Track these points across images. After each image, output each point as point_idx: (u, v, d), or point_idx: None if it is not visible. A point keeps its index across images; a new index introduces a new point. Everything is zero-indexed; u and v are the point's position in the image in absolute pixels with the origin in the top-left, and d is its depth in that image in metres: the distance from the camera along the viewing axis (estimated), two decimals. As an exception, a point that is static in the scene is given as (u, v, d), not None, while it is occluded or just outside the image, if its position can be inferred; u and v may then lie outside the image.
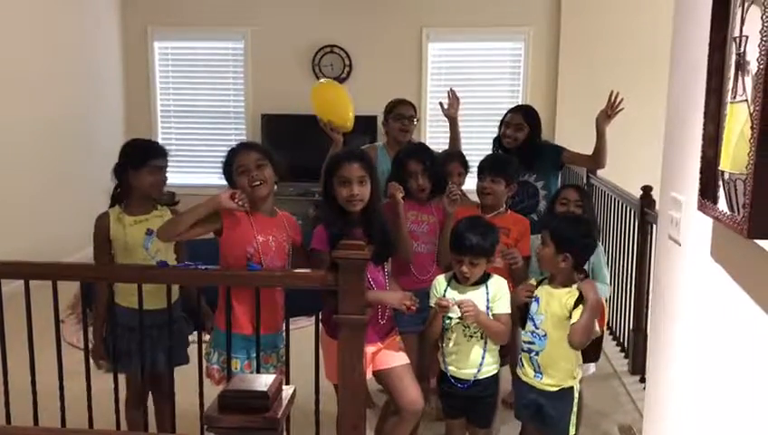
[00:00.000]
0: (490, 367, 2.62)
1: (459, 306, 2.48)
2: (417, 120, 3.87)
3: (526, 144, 3.80)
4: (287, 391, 1.16)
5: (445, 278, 2.65)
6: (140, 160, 2.74)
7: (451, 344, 2.60)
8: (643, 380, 3.53)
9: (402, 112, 3.80)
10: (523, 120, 3.81)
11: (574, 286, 2.47)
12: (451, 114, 3.98)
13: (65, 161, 6.23)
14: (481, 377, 2.60)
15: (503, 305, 2.58)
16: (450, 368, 2.62)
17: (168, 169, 2.84)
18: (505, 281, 2.66)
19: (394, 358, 2.62)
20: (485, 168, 3.10)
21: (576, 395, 2.52)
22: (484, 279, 2.60)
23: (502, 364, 3.01)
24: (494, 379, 2.67)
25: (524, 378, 2.57)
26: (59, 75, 6.18)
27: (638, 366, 3.78)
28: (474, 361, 2.59)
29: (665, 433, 1.87)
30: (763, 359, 1.22)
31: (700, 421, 1.56)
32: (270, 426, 1.09)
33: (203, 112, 7.53)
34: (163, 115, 7.57)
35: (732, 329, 1.38)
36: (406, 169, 3.00)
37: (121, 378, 2.73)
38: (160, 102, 7.55)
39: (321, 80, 4.10)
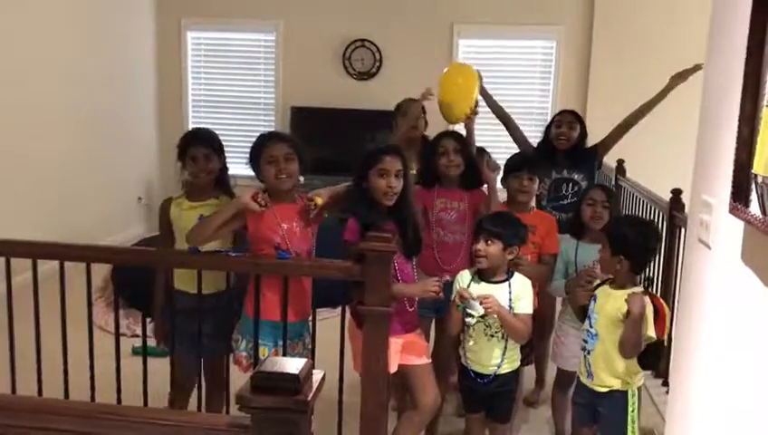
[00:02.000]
0: (512, 364, 2.64)
1: (481, 301, 2.49)
2: (425, 115, 3.74)
3: (577, 144, 3.80)
4: (317, 375, 1.19)
5: (469, 272, 2.66)
6: (180, 151, 2.83)
7: (471, 343, 2.62)
8: (666, 384, 3.51)
9: (408, 111, 3.67)
10: (575, 120, 3.81)
11: (635, 289, 2.46)
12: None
13: (98, 149, 6.33)
14: (501, 373, 2.62)
15: (525, 305, 2.59)
16: (471, 364, 2.64)
17: (214, 157, 2.82)
18: (529, 281, 2.66)
19: (418, 356, 2.65)
20: (522, 166, 3.09)
21: (632, 402, 2.49)
22: (507, 277, 2.62)
23: (525, 364, 3.03)
24: (515, 375, 2.70)
25: (581, 377, 2.60)
26: (93, 65, 6.27)
27: (661, 370, 3.76)
28: (495, 359, 2.61)
29: (687, 436, 1.86)
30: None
31: (724, 427, 1.56)
32: (300, 408, 1.11)
33: (233, 103, 7.61)
34: (194, 105, 7.66)
35: (761, 333, 1.37)
36: (439, 146, 3.01)
37: (160, 363, 2.76)
38: (192, 93, 7.64)
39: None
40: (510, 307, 2.57)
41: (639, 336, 2.38)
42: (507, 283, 2.61)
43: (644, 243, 2.51)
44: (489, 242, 2.56)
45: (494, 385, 2.63)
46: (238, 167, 2.76)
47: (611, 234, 2.51)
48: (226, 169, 2.89)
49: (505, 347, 2.60)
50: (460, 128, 3.44)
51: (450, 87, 3.36)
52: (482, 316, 2.54)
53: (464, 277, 2.65)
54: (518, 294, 2.59)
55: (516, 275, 2.64)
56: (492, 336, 2.59)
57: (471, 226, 2.99)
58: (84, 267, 2.60)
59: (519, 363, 2.70)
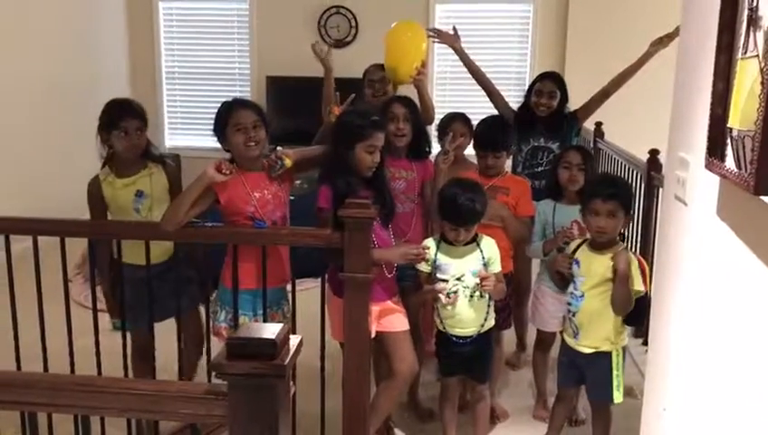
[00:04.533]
0: (490, 321, 2.70)
1: (482, 283, 2.55)
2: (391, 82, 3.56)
3: (556, 111, 3.75)
4: (294, 340, 1.18)
5: (434, 241, 2.67)
6: (110, 123, 2.76)
7: (451, 308, 2.64)
8: (646, 343, 3.55)
9: (372, 78, 3.56)
10: (555, 88, 3.74)
11: (618, 247, 2.54)
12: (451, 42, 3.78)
13: (70, 122, 6.21)
14: (485, 331, 2.67)
15: (498, 265, 2.67)
16: (450, 328, 2.65)
17: (145, 130, 2.80)
18: (493, 241, 2.70)
19: (397, 322, 2.66)
20: (488, 145, 3.06)
21: (616, 361, 2.54)
22: (474, 238, 2.64)
23: (504, 327, 3.06)
24: (493, 334, 2.76)
25: (566, 339, 2.64)
26: (63, 38, 6.14)
27: (641, 329, 3.81)
28: (477, 319, 2.64)
29: (665, 394, 1.89)
30: (766, 316, 1.23)
31: (700, 381, 1.58)
32: (277, 373, 1.11)
33: (208, 74, 7.49)
34: (168, 77, 7.54)
35: (736, 287, 1.38)
36: (389, 112, 2.93)
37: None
38: (165, 64, 7.51)
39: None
40: (484, 266, 2.62)
41: (629, 291, 2.44)
42: (476, 246, 2.64)
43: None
44: (469, 230, 2.58)
45: (475, 346, 2.66)
46: (213, 139, 2.71)
47: (624, 196, 2.53)
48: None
49: (488, 305, 2.66)
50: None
51: (394, 46, 3.23)
52: (457, 279, 2.57)
53: (430, 245, 2.65)
54: (490, 258, 2.65)
55: (484, 237, 2.67)
56: (472, 296, 2.61)
57: (420, 196, 3.00)
58: (59, 244, 2.56)
59: (493, 320, 2.74)
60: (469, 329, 2.65)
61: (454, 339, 2.66)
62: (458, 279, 2.59)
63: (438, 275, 2.60)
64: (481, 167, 3.08)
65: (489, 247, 2.65)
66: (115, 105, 2.85)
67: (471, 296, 2.61)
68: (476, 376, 2.77)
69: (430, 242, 2.66)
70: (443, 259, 2.61)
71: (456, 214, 2.55)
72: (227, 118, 2.57)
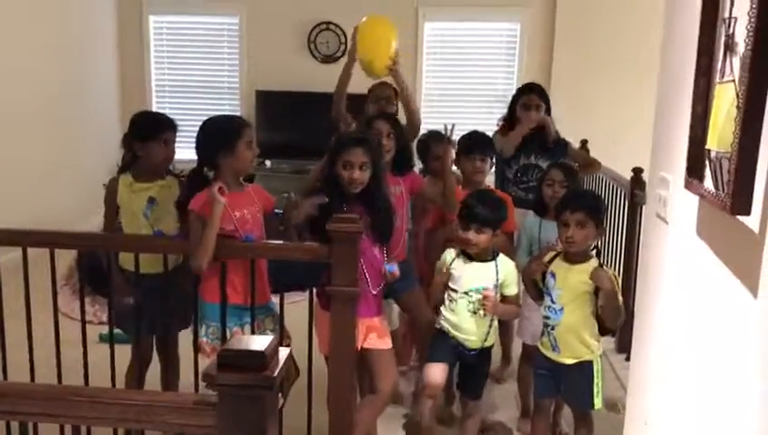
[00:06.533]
0: (492, 338, 2.74)
1: (483, 299, 2.61)
2: (396, 98, 3.63)
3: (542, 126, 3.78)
4: (283, 352, 1.20)
5: (454, 252, 2.72)
6: (150, 133, 2.81)
7: (455, 318, 2.69)
8: (629, 358, 3.58)
9: (378, 94, 3.62)
10: (540, 101, 3.80)
11: (592, 262, 2.56)
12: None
13: (60, 135, 6.22)
14: (485, 346, 2.72)
15: (513, 288, 2.72)
16: (450, 330, 2.71)
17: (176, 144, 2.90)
18: (512, 262, 2.76)
19: (381, 340, 2.69)
20: (474, 147, 3.13)
21: (597, 368, 2.60)
22: (493, 256, 2.70)
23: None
24: (489, 351, 2.79)
25: (544, 351, 2.66)
26: (53, 49, 6.14)
27: (624, 345, 3.85)
28: (478, 334, 2.69)
29: (647, 408, 1.92)
30: (743, 333, 1.26)
31: (681, 396, 1.61)
32: (266, 384, 1.13)
33: (198, 88, 7.51)
34: (158, 90, 7.55)
35: (714, 305, 1.42)
36: (372, 128, 2.96)
37: (123, 348, 2.76)
38: (155, 77, 7.52)
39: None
40: (496, 287, 2.66)
41: (619, 305, 2.49)
42: (494, 263, 2.69)
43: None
44: (480, 231, 2.62)
45: (473, 360, 2.71)
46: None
47: (591, 208, 2.57)
48: None
49: (490, 323, 2.69)
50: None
51: (368, 39, 3.26)
52: (465, 292, 2.62)
53: (448, 255, 2.70)
54: (506, 279, 2.69)
55: (501, 256, 2.72)
56: (474, 313, 2.65)
57: (407, 210, 3.03)
58: (48, 255, 2.56)
59: (492, 341, 2.78)
60: (470, 341, 2.70)
61: (455, 344, 2.71)
62: (465, 293, 2.64)
63: (450, 284, 2.67)
64: (467, 173, 3.13)
65: (505, 268, 2.70)
66: (152, 117, 2.97)
67: (474, 312, 2.66)
68: (470, 392, 2.79)
69: (450, 252, 2.72)
70: (456, 270, 2.67)
71: (467, 214, 2.63)
72: (240, 132, 2.60)
